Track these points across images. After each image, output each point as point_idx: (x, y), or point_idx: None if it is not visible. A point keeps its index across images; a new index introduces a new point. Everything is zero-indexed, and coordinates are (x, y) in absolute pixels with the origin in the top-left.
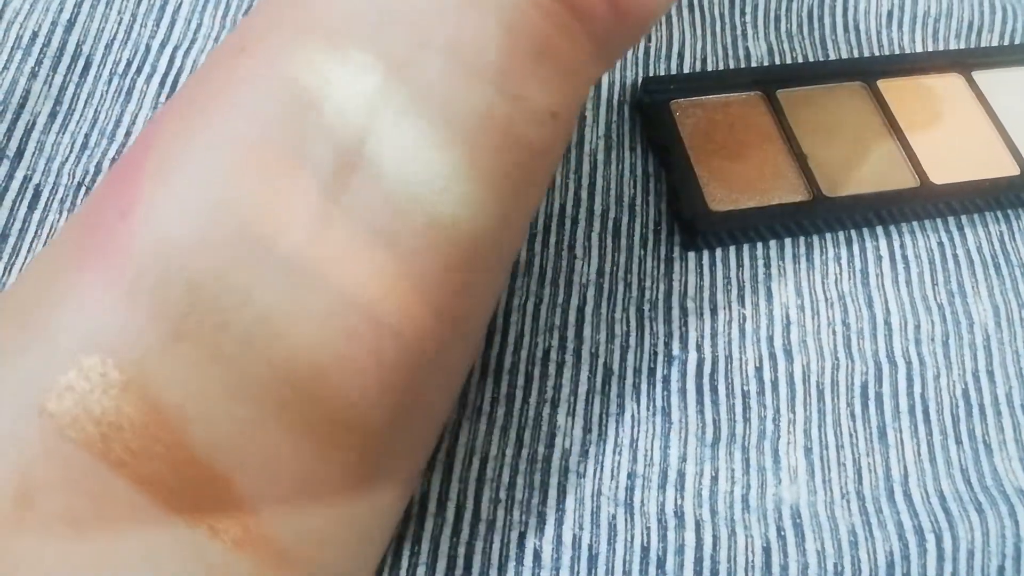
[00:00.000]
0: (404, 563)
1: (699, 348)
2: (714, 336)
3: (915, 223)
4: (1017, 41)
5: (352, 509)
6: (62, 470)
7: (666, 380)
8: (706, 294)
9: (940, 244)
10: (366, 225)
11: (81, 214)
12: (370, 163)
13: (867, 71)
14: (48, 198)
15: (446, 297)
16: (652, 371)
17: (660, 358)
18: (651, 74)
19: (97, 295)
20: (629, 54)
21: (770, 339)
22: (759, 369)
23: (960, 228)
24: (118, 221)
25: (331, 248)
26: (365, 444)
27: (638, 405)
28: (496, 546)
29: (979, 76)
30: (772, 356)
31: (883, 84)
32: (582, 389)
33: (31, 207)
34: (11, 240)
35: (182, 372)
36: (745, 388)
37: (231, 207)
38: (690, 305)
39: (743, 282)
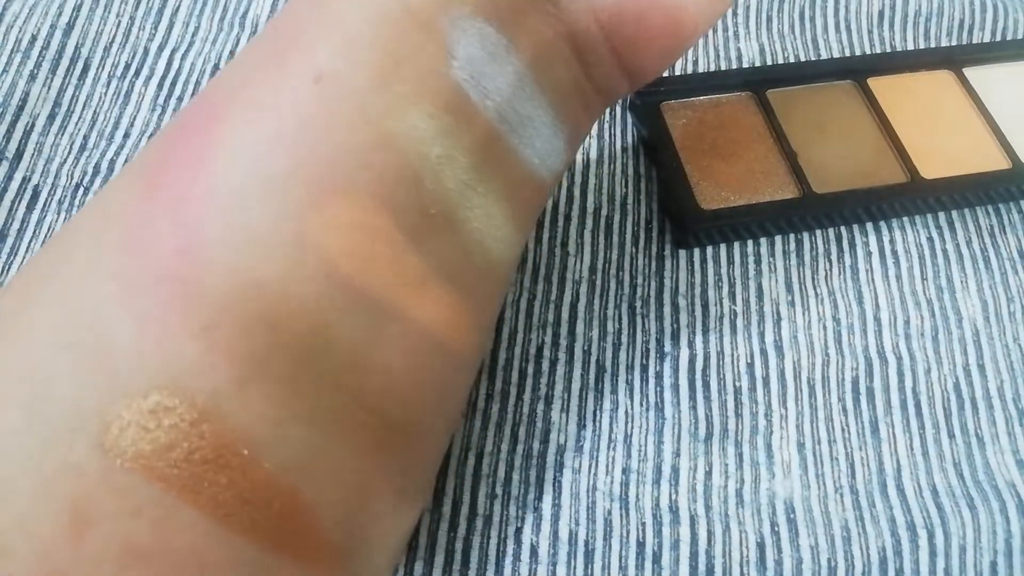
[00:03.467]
0: (402, 558)
1: (691, 345)
2: (705, 333)
3: (905, 218)
4: (1009, 38)
5: (396, 519)
6: (120, 500)
7: (659, 376)
8: (697, 291)
9: (930, 239)
10: (439, 267)
11: (127, 211)
12: (444, 210)
13: (857, 70)
14: (47, 199)
15: (488, 320)
16: (644, 367)
17: (652, 355)
18: None
19: (162, 327)
20: None
21: (761, 335)
22: (750, 365)
23: (950, 223)
24: (180, 241)
25: (410, 288)
26: (413, 455)
27: (631, 401)
28: (493, 541)
29: (970, 72)
30: (763, 352)
31: (873, 82)
32: (575, 386)
33: (30, 207)
34: (9, 240)
35: (256, 407)
36: (737, 384)
37: (318, 246)
38: (681, 302)
39: (734, 279)
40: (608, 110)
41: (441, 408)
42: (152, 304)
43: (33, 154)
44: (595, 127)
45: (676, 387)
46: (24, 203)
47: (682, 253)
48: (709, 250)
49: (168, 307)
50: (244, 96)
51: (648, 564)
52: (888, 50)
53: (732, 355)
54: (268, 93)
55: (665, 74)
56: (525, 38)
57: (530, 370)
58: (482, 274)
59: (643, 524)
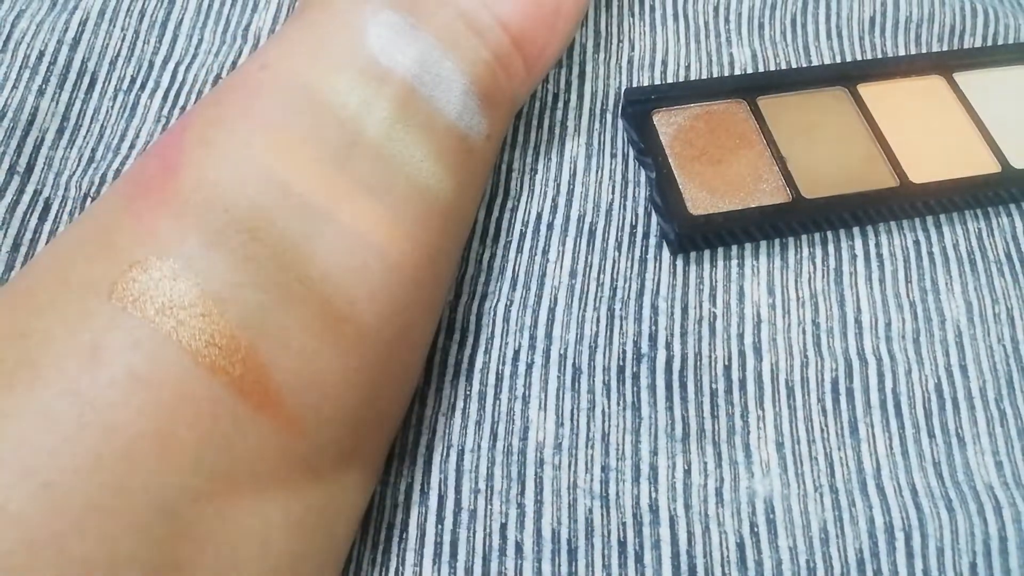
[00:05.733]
0: (394, 548)
1: (668, 346)
2: (684, 334)
3: (892, 222)
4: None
5: (345, 397)
6: (125, 336)
7: (635, 377)
8: (678, 293)
9: (916, 242)
10: (365, 184)
11: (129, 172)
12: (367, 144)
13: (848, 76)
14: (57, 210)
15: (426, 239)
16: (621, 369)
17: (629, 356)
18: (635, 83)
19: (151, 217)
20: (612, 64)
21: (740, 337)
22: (727, 367)
23: (938, 226)
24: (165, 172)
25: (339, 196)
26: (364, 346)
27: (608, 401)
28: (480, 536)
29: (960, 77)
30: (741, 354)
31: (864, 88)
32: (552, 387)
33: (41, 219)
34: (23, 249)
35: (218, 269)
36: (713, 386)
37: (257, 161)
38: (661, 304)
39: (715, 281)
40: (598, 119)
41: (394, 319)
42: (144, 205)
43: (43, 167)
44: (584, 136)
45: (653, 387)
46: (36, 215)
47: (665, 256)
48: (692, 254)
49: (154, 203)
50: (210, 94)
51: (631, 563)
52: (879, 56)
53: (710, 357)
54: (226, 85)
55: (657, 82)
56: (426, 19)
57: (507, 372)
58: (408, 197)
59: (624, 524)
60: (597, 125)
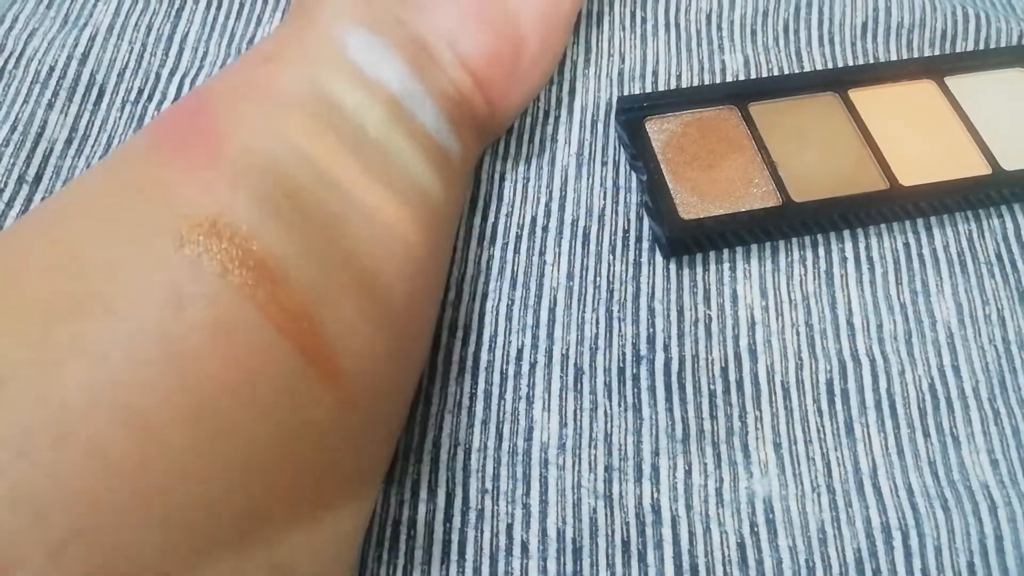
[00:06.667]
0: (402, 545)
1: (666, 348)
2: (681, 337)
3: (883, 225)
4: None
5: (387, 376)
6: (203, 286)
7: (635, 378)
8: (672, 296)
9: (906, 244)
10: (381, 178)
11: (157, 133)
12: (372, 140)
13: (839, 81)
14: None
15: (428, 233)
16: (622, 370)
17: (629, 357)
18: (626, 93)
19: (205, 176)
20: (603, 75)
21: (735, 339)
22: (724, 369)
23: (928, 228)
24: (204, 134)
25: (362, 183)
26: (398, 326)
27: (609, 402)
28: (487, 536)
29: (951, 81)
30: (737, 356)
31: (855, 93)
32: (555, 387)
33: None
34: None
35: (280, 236)
36: (712, 387)
37: (290, 140)
38: (657, 307)
39: (709, 285)
40: (589, 129)
41: (413, 311)
42: (192, 163)
43: (52, 177)
44: (575, 146)
45: (653, 389)
46: None
47: (659, 260)
48: (685, 257)
49: (204, 163)
50: (217, 79)
51: (635, 562)
52: (871, 62)
53: (707, 359)
54: (233, 72)
55: (649, 90)
56: (397, 43)
57: (511, 371)
58: (413, 190)
59: (627, 523)
60: (588, 136)
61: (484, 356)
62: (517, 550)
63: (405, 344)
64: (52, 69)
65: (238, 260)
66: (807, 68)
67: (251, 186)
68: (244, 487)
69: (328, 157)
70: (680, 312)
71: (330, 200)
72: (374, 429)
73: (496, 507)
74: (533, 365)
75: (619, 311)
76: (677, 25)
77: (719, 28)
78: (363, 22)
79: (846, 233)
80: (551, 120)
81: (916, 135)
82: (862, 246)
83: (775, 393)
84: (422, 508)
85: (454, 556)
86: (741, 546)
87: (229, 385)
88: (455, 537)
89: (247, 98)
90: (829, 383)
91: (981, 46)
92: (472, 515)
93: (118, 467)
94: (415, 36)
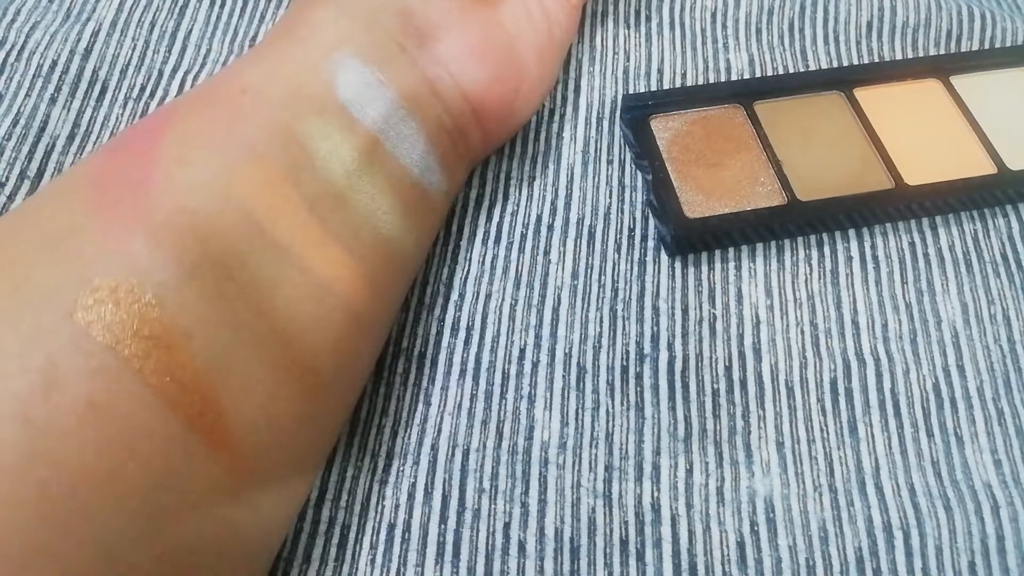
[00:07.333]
0: (396, 548)
1: (670, 347)
2: (685, 335)
3: (888, 224)
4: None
5: (295, 438)
6: (86, 360)
7: (639, 377)
8: (677, 295)
9: (911, 244)
10: (336, 235)
11: (94, 171)
12: (336, 193)
13: (845, 80)
14: None
15: (389, 297)
16: (625, 369)
17: (632, 356)
18: (631, 91)
19: (123, 235)
20: (608, 73)
21: (740, 338)
22: (728, 368)
23: (933, 228)
24: (137, 185)
25: (311, 242)
26: (321, 393)
27: (612, 401)
28: (483, 535)
29: (957, 81)
30: (741, 355)
31: (860, 92)
32: (557, 386)
33: None
34: None
35: (191, 302)
36: (715, 386)
37: (236, 194)
38: (662, 306)
39: (714, 283)
40: (595, 127)
41: (349, 367)
42: (114, 218)
43: (53, 173)
44: (580, 144)
45: (656, 387)
46: None
47: (663, 259)
48: (690, 256)
49: (126, 219)
50: (187, 102)
51: (632, 561)
52: (877, 61)
53: (711, 357)
54: (205, 99)
55: (654, 88)
56: (393, 77)
57: (513, 371)
58: (374, 248)
59: (626, 522)
60: (593, 133)
61: (486, 357)
62: (514, 549)
63: (325, 404)
64: (54, 63)
65: (131, 330)
66: (812, 67)
67: (174, 246)
68: (107, 568)
69: (276, 216)
70: (685, 311)
71: (264, 264)
72: (274, 489)
73: (493, 506)
74: (535, 364)
75: (623, 310)
76: (682, 24)
77: (724, 27)
78: (360, 51)
79: (851, 232)
80: (556, 118)
81: (921, 134)
82: (867, 245)
83: (779, 392)
84: (417, 511)
85: (448, 556)
86: (741, 545)
87: (93, 471)
88: (450, 538)
89: (202, 139)
90: (833, 382)
91: (987, 45)
92: (468, 515)
93: None
94: (418, 66)
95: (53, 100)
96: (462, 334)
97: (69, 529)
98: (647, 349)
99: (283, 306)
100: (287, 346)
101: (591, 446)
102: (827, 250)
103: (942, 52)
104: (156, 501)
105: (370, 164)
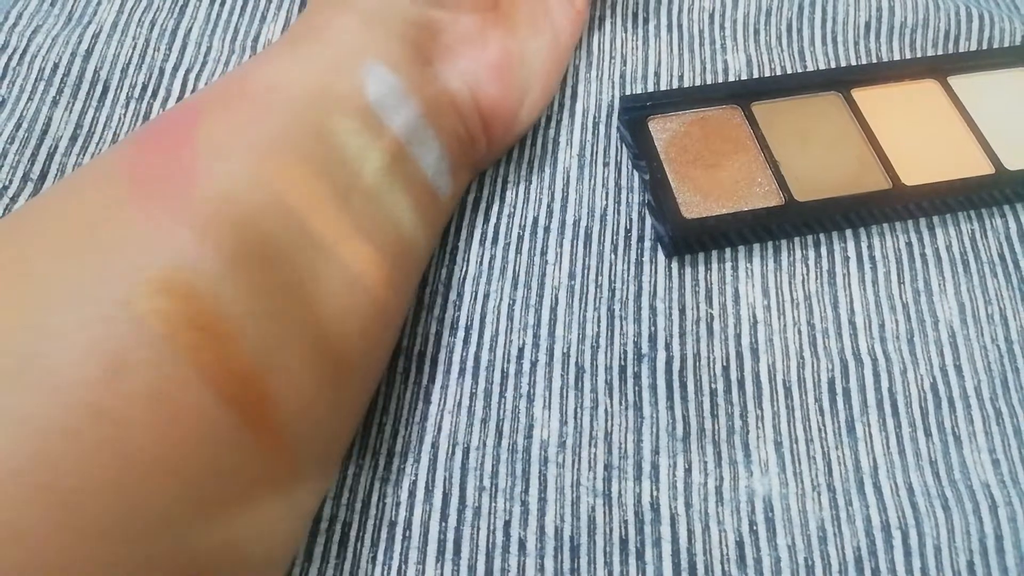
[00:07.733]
0: (397, 546)
1: (668, 347)
2: (683, 335)
3: (885, 225)
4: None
5: (328, 428)
6: (147, 351)
7: (636, 377)
8: (675, 295)
9: (908, 244)
10: (365, 230)
11: (130, 163)
12: (364, 188)
13: (842, 81)
14: None
15: (400, 283)
16: (623, 368)
17: (630, 356)
18: (627, 94)
19: (170, 226)
20: (605, 77)
21: (737, 338)
22: (726, 368)
23: (931, 228)
24: (181, 177)
25: (342, 235)
26: (352, 381)
27: (610, 400)
28: (483, 533)
29: (955, 81)
30: (739, 355)
31: (858, 93)
32: (556, 385)
33: None
34: None
35: (239, 294)
36: (713, 386)
37: (273, 187)
38: (659, 306)
39: (711, 284)
40: (591, 130)
41: (374, 355)
42: (159, 209)
43: (56, 175)
44: (576, 147)
45: (654, 387)
46: None
47: (660, 259)
48: (688, 256)
49: (172, 211)
50: (210, 99)
51: (632, 560)
52: (875, 61)
53: (708, 357)
54: (231, 95)
55: (651, 89)
56: (417, 87)
57: (512, 370)
58: (395, 244)
59: (625, 521)
60: (589, 137)
61: (485, 356)
62: (514, 547)
63: (352, 395)
64: (56, 66)
65: (187, 320)
66: (810, 67)
67: (221, 238)
68: (166, 551)
69: (313, 209)
70: (682, 311)
71: (303, 256)
72: (308, 479)
73: (494, 504)
74: (534, 364)
75: (621, 310)
76: (679, 25)
77: (722, 28)
78: (388, 60)
79: (849, 232)
80: (553, 124)
81: (919, 135)
82: (864, 245)
83: (776, 392)
84: (418, 509)
85: (449, 554)
86: (740, 544)
87: (158, 460)
88: (451, 535)
89: (238, 134)
90: (831, 382)
91: (984, 46)
92: (468, 513)
93: (33, 545)
94: (440, 79)
95: (55, 102)
96: (461, 333)
97: (136, 514)
98: (645, 349)
99: (320, 298)
100: (324, 337)
101: (590, 445)
102: (824, 250)
103: (940, 52)
104: (213, 492)
105: (393, 166)
